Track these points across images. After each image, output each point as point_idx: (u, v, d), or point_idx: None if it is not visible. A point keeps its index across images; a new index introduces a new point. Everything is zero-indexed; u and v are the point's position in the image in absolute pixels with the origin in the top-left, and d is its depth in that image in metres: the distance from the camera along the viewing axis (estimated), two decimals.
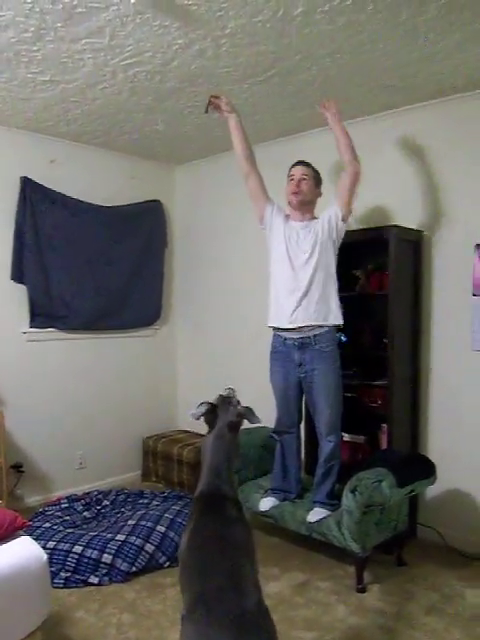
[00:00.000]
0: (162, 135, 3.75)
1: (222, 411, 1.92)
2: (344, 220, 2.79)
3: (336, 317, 2.77)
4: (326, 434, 2.79)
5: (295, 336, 2.78)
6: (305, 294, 2.74)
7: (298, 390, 2.89)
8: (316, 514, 2.78)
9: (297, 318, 2.75)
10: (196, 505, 1.78)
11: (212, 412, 1.91)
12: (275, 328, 2.87)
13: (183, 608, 1.56)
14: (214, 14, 2.22)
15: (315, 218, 2.85)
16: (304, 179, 2.80)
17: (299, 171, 2.82)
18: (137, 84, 2.91)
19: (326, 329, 2.76)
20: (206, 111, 2.81)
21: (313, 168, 2.87)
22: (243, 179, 2.89)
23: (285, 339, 2.83)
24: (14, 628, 2.04)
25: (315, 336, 2.75)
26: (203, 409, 1.89)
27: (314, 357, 2.75)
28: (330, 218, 2.78)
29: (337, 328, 2.84)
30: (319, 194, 2.89)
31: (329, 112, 2.82)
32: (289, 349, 2.82)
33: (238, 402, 1.99)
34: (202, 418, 1.91)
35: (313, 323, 2.73)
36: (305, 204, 2.82)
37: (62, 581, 2.71)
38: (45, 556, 2.17)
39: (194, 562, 1.60)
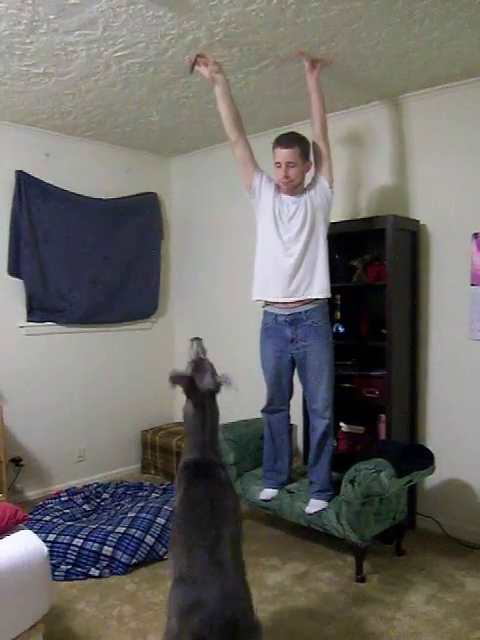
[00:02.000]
0: (157, 126, 3.73)
1: (199, 379, 1.88)
2: (331, 187, 2.75)
3: (321, 291, 2.73)
4: (322, 410, 2.78)
5: (286, 312, 2.77)
6: (296, 269, 2.71)
7: (290, 368, 2.87)
8: (314, 506, 2.78)
9: (289, 293, 2.73)
10: (184, 473, 1.83)
11: (190, 382, 1.87)
12: (266, 303, 2.85)
13: (175, 572, 1.66)
14: (208, 3, 2.19)
15: (305, 190, 2.78)
16: (291, 165, 2.66)
17: (284, 156, 2.66)
18: (131, 75, 2.88)
19: (317, 304, 2.74)
20: (191, 71, 2.61)
21: (298, 142, 2.69)
22: (231, 147, 2.81)
23: (276, 315, 2.81)
24: (16, 621, 2.05)
25: (307, 311, 2.74)
26: (182, 382, 1.86)
27: (307, 333, 2.74)
28: (319, 189, 2.74)
29: (328, 302, 2.81)
30: (309, 166, 2.75)
31: (313, 72, 2.68)
32: (281, 326, 2.80)
33: (211, 366, 1.95)
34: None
35: (302, 297, 2.72)
36: (297, 185, 2.75)
37: (63, 574, 2.72)
38: (46, 549, 2.18)
39: (188, 530, 1.69)
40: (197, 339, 2.04)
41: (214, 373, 1.93)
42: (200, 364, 1.95)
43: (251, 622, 1.60)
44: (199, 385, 1.87)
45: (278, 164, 2.71)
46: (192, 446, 1.87)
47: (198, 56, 2.54)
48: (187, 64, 2.57)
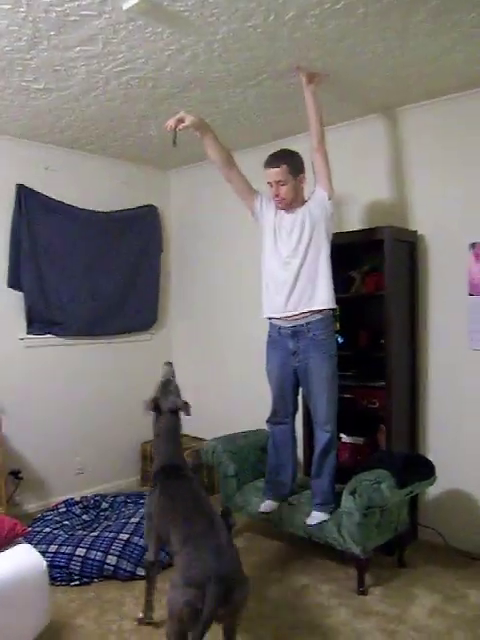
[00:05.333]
0: (156, 140, 3.76)
1: (163, 400, 2.38)
2: (330, 198, 2.75)
3: (324, 302, 2.73)
4: (323, 424, 2.78)
5: (288, 325, 2.79)
6: (295, 282, 2.73)
7: (294, 380, 2.87)
8: (315, 518, 2.77)
9: (289, 307, 2.76)
10: (159, 476, 2.28)
11: (155, 402, 2.38)
12: (270, 317, 2.88)
13: (171, 548, 2.09)
14: (206, 20, 2.23)
15: (305, 202, 2.79)
16: (280, 184, 2.70)
17: (273, 176, 2.70)
18: (130, 90, 2.92)
19: (319, 317, 2.74)
20: (175, 144, 2.71)
21: (285, 160, 2.70)
22: (226, 182, 2.88)
23: (280, 328, 2.83)
24: (14, 636, 2.04)
25: (308, 324, 2.74)
26: (149, 404, 2.38)
27: (308, 345, 2.75)
28: (316, 201, 2.76)
29: (333, 314, 2.82)
30: (302, 181, 2.76)
31: (310, 86, 2.70)
32: (284, 338, 2.82)
33: (176, 388, 2.44)
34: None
35: (304, 310, 2.73)
36: (291, 201, 2.77)
37: (64, 583, 2.75)
38: (45, 563, 2.17)
39: (174, 514, 2.09)
40: (168, 363, 2.59)
41: (177, 395, 2.40)
42: (167, 385, 2.43)
43: (242, 577, 1.91)
44: (163, 405, 2.36)
45: (269, 184, 2.75)
46: (162, 455, 2.35)
47: (176, 126, 2.65)
48: (168, 129, 2.67)
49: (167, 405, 2.36)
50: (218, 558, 1.84)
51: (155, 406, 2.37)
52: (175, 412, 2.36)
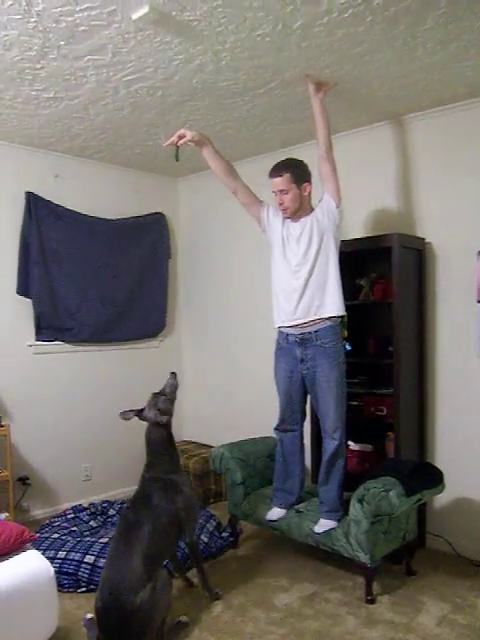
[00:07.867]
0: (164, 149, 3.77)
1: (149, 410, 2.57)
2: (338, 206, 2.76)
3: (334, 309, 2.74)
4: (331, 431, 2.77)
5: (297, 332, 2.79)
6: (303, 291, 2.74)
7: (302, 387, 2.87)
8: (322, 525, 2.75)
9: (298, 315, 2.76)
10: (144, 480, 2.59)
11: (140, 414, 2.59)
12: (279, 325, 2.89)
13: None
14: (214, 29, 2.25)
15: (312, 210, 2.80)
16: (283, 193, 2.72)
17: (276, 185, 2.73)
18: (139, 99, 2.94)
19: (327, 324, 2.74)
20: (177, 158, 2.79)
21: (287, 169, 2.72)
22: (232, 194, 2.91)
23: (287, 335, 2.84)
24: None
25: (316, 331, 2.75)
26: (130, 415, 2.60)
27: (316, 353, 2.75)
28: (324, 210, 2.76)
29: (341, 322, 2.81)
30: (308, 189, 2.76)
31: (318, 95, 2.72)
32: (291, 345, 2.83)
33: (159, 402, 2.56)
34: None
35: (313, 317, 2.74)
36: (296, 210, 2.79)
37: (72, 589, 2.74)
38: (52, 570, 2.17)
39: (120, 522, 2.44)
40: (172, 374, 2.69)
41: (157, 407, 2.55)
42: (155, 397, 2.59)
43: (130, 605, 2.08)
44: (149, 414, 2.56)
45: (274, 193, 2.78)
46: (147, 462, 2.61)
47: (178, 143, 2.75)
48: (170, 145, 2.77)
49: (151, 416, 2.58)
50: (105, 583, 2.17)
51: (138, 416, 2.62)
52: (156, 423, 2.56)
